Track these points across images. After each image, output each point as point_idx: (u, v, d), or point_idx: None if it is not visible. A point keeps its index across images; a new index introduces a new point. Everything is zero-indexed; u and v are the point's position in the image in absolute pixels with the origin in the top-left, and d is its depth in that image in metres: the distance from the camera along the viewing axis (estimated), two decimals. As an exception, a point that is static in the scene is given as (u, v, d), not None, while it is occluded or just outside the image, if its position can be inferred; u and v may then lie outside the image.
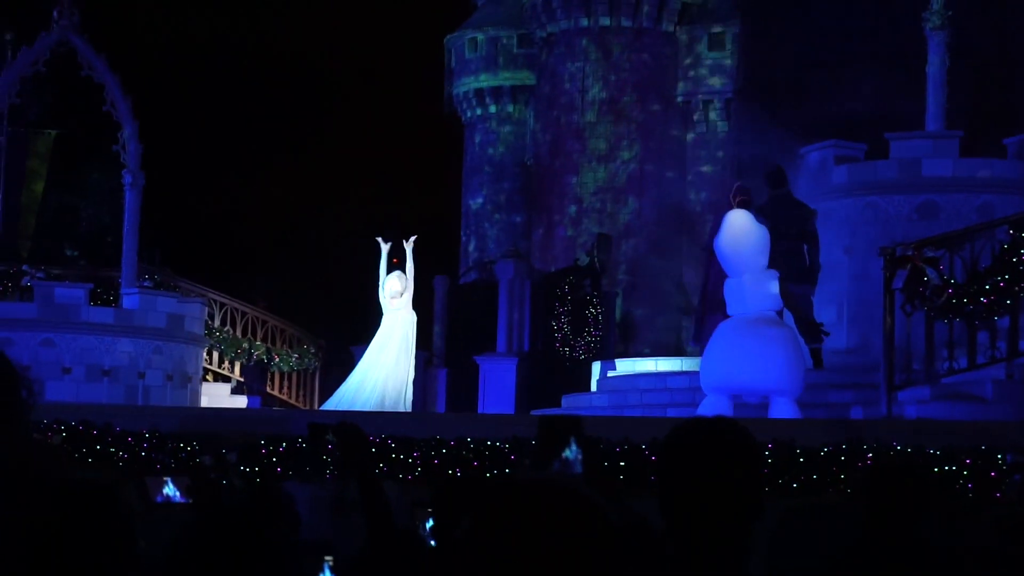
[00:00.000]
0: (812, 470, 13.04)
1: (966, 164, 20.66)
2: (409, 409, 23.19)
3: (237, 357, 29.49)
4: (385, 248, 23.99)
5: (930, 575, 5.67)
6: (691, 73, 35.54)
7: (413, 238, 24.23)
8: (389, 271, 23.85)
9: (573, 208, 35.24)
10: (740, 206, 20.17)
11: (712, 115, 35.46)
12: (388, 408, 22.37)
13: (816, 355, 18.03)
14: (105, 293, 23.56)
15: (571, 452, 7.45)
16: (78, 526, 3.46)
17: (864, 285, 18.92)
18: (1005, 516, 8.50)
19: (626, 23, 35.08)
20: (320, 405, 29.13)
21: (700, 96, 35.45)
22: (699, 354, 19.63)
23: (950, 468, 12.29)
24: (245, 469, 14.64)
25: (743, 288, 16.42)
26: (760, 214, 17.36)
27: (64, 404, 16.93)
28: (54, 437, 14.84)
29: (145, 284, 23.87)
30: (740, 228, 16.57)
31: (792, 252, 18.27)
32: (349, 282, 35.63)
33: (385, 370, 23.04)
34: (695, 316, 21.84)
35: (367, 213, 41.96)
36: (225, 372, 29.15)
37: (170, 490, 9.04)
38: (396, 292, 23.46)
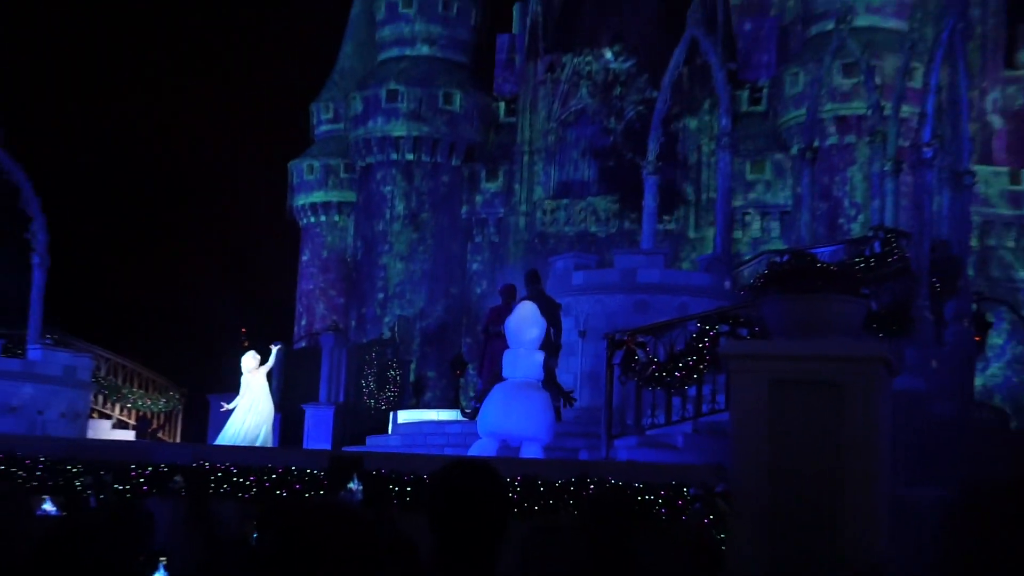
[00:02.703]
0: (550, 497, 13.07)
1: (669, 274, 21.18)
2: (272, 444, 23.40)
3: (117, 400, 28.99)
4: (248, 354, 24.32)
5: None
6: (474, 197, 35.79)
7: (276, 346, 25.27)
8: (244, 354, 24.26)
9: (381, 295, 35.24)
10: (508, 299, 20.56)
11: (488, 229, 35.71)
12: (260, 444, 22.77)
13: (557, 411, 18.13)
14: (14, 348, 22.90)
15: (354, 484, 7.46)
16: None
17: (593, 361, 19.11)
18: (687, 533, 8.60)
19: (425, 159, 35.27)
20: (181, 439, 28.97)
21: (477, 215, 35.72)
22: (471, 410, 19.90)
23: (651, 497, 12.40)
24: (119, 488, 14.26)
25: (518, 358, 16.59)
26: (534, 303, 17.67)
27: (-25, 434, 16.31)
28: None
29: (47, 342, 23.38)
30: (528, 314, 16.82)
31: (546, 335, 18.49)
32: (207, 345, 35.23)
33: (258, 418, 23.43)
34: (481, 384, 21.84)
35: (225, 292, 41.55)
36: (107, 411, 28.48)
37: (48, 506, 8.69)
38: (251, 367, 23.78)
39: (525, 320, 16.86)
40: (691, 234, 32.52)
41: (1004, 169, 35.03)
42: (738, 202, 31.26)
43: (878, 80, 28.41)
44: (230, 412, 23.88)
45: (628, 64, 33.82)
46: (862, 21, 31.48)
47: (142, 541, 5.03)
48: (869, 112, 28.52)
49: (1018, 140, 38.09)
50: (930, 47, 23.06)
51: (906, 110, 26.90)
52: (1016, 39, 39.66)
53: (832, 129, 31.75)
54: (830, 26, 30.46)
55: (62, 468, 14.61)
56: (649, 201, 24.51)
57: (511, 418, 16.51)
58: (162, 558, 5.54)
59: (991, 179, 34.13)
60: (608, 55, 33.95)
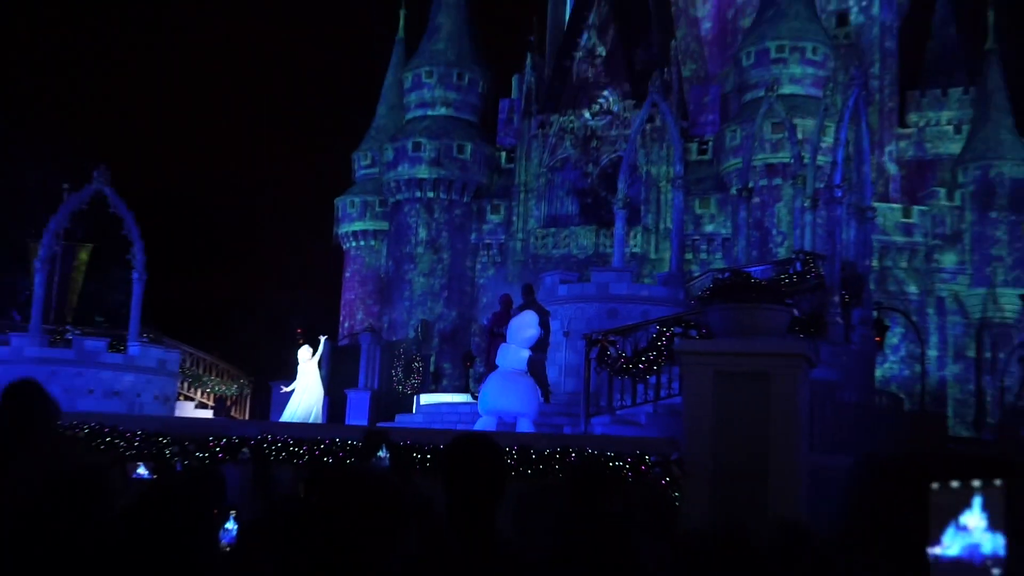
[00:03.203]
0: (540, 463, 13.02)
1: (635, 287, 21.08)
2: (321, 421, 23.39)
3: (199, 386, 28.99)
4: (303, 348, 24.41)
5: (607, 528, 5.68)
6: (481, 226, 35.82)
7: (323, 337, 25.54)
8: (300, 347, 24.36)
9: (407, 303, 35.26)
10: (506, 307, 20.60)
11: (492, 252, 35.73)
12: (312, 421, 22.81)
13: (546, 395, 18.11)
14: (119, 345, 22.91)
15: (382, 452, 7.44)
16: (82, 491, 3.33)
17: (574, 356, 19.04)
18: (649, 491, 8.59)
19: (443, 196, 35.31)
20: (249, 417, 28.97)
21: (483, 240, 35.74)
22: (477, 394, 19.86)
23: (620, 464, 12.34)
24: (200, 455, 14.25)
25: (508, 351, 16.63)
26: (528, 310, 17.75)
27: (87, 413, 16.30)
28: (79, 433, 14.34)
29: (144, 340, 23.37)
30: (529, 320, 16.91)
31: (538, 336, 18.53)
32: (270, 342, 35.36)
33: (310, 399, 23.56)
34: (482, 373, 21.86)
35: (284, 300, 41.68)
36: (191, 395, 28.46)
37: (142, 470, 8.65)
38: (305, 358, 23.88)
39: (526, 324, 16.92)
40: (652, 256, 32.53)
41: (898, 206, 35.16)
42: (688, 231, 31.28)
43: (799, 135, 28.43)
44: (288, 394, 23.93)
45: (603, 122, 33.89)
46: (786, 90, 31.56)
47: (217, 498, 4.99)
48: (792, 161, 28.52)
49: (909, 183, 38.20)
50: (839, 110, 23.07)
51: (821, 159, 26.91)
52: (906, 104, 39.85)
53: (763, 174, 31.82)
54: (761, 93, 30.49)
55: (155, 440, 14.60)
56: (619, 230, 24.50)
57: (505, 399, 16.51)
58: (232, 511, 5.52)
59: (888, 213, 34.17)
60: (587, 115, 34.03)
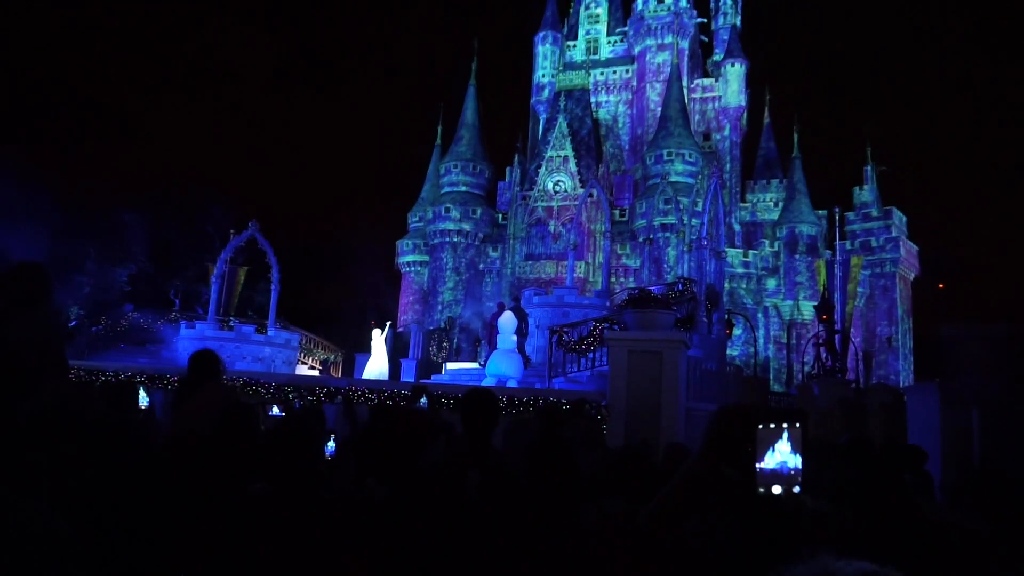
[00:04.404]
0: (521, 406, 13.02)
1: (580, 299, 20.96)
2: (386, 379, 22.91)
3: (310, 355, 28.76)
4: (376, 330, 23.61)
5: (560, 444, 5.68)
6: (486, 260, 35.71)
7: (387, 323, 25.02)
8: (373, 329, 23.73)
9: (440, 307, 34.97)
10: (500, 310, 20.56)
11: (492, 276, 35.63)
12: (379, 378, 22.02)
13: (527, 363, 18.10)
14: (262, 329, 22.72)
15: (423, 400, 7.40)
16: (242, 419, 3.32)
17: (543, 340, 19.02)
18: (587, 424, 8.56)
19: (462, 241, 35.21)
20: (341, 375, 28.71)
21: (488, 269, 35.61)
22: (483, 363, 19.79)
23: (570, 407, 12.36)
24: (311, 399, 14.16)
25: (506, 337, 16.62)
26: (513, 312, 17.63)
27: (242, 371, 16.18)
28: (236, 383, 14.20)
29: (278, 326, 23.17)
30: (509, 317, 16.90)
31: (520, 329, 18.46)
32: (357, 328, 35.17)
33: (380, 365, 22.75)
34: (486, 351, 21.68)
35: (365, 304, 41.43)
36: (305, 361, 28.24)
37: (275, 410, 8.57)
38: (376, 338, 23.21)
39: (508, 320, 16.90)
40: (590, 279, 32.45)
41: (740, 250, 35.21)
42: (613, 264, 31.30)
43: (680, 206, 28.55)
44: (366, 360, 23.65)
45: (561, 199, 33.91)
46: (673, 178, 31.65)
47: (323, 425, 4.97)
48: (676, 222, 28.66)
49: (747, 236, 38.30)
50: (705, 191, 23.17)
51: (694, 221, 27.03)
52: (745, 188, 40.01)
53: (658, 229, 31.86)
54: (658, 180, 30.65)
55: (282, 389, 14.53)
56: (570, 263, 24.50)
57: (501, 367, 16.49)
58: (332, 434, 5.50)
59: (734, 255, 34.28)
60: (551, 193, 34.04)
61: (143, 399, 5.03)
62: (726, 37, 41.34)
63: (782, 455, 1.66)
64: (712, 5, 43.39)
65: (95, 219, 40.36)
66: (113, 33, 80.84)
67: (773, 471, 1.69)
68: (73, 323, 28.88)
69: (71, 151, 45.10)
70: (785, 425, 1.67)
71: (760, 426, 1.65)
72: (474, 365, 24.11)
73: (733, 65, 38.77)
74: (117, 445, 3.40)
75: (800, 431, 1.69)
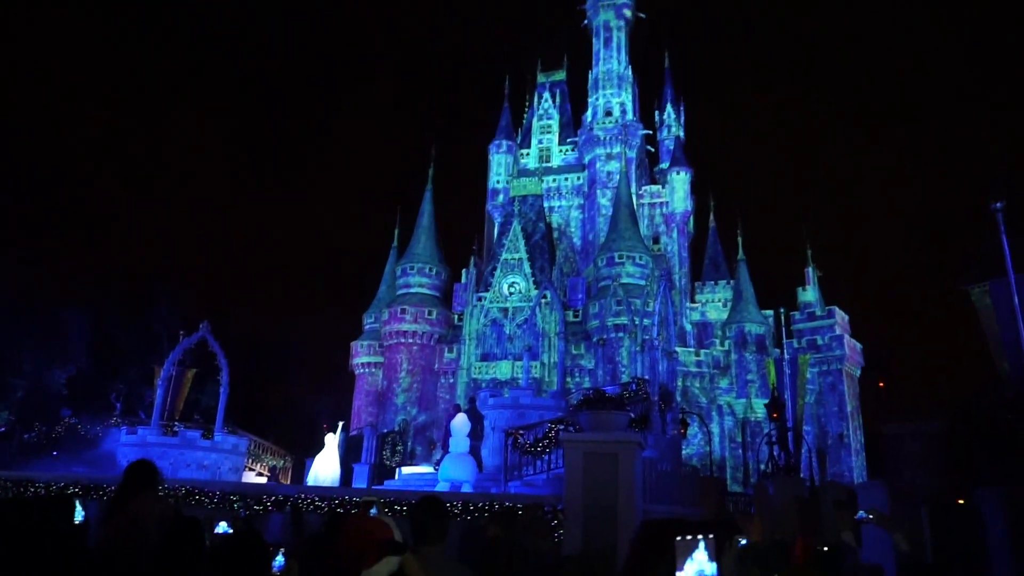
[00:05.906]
0: (475, 511, 12.75)
1: (535, 400, 20.77)
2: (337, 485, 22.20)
3: (258, 461, 27.72)
4: (329, 434, 23.26)
5: (513, 549, 5.59)
6: (442, 360, 35.50)
7: (340, 425, 24.16)
8: (327, 434, 23.31)
9: (393, 408, 34.30)
10: (455, 411, 20.36)
11: (448, 377, 35.36)
12: (330, 484, 21.59)
13: (480, 467, 17.77)
14: (208, 434, 21.95)
15: (375, 510, 7.28)
16: (181, 536, 3.28)
17: (498, 442, 18.79)
18: (542, 528, 8.44)
19: (418, 341, 35.03)
20: (291, 482, 27.70)
21: (443, 369, 35.36)
22: (437, 468, 19.40)
23: (523, 511, 12.16)
24: (257, 508, 13.62)
25: (458, 442, 16.46)
26: (468, 413, 17.53)
27: (184, 480, 15.51)
28: (178, 492, 13.60)
29: (225, 431, 22.44)
30: (462, 420, 16.93)
31: (475, 430, 18.25)
32: (306, 433, 34.13)
33: (330, 470, 22.31)
34: (440, 454, 21.28)
35: (317, 406, 40.34)
36: (253, 467, 27.15)
37: (222, 527, 8.18)
38: (331, 439, 22.86)
39: (461, 423, 16.80)
40: (545, 379, 32.44)
41: (692, 349, 35.83)
42: (568, 364, 31.51)
43: (632, 308, 29.20)
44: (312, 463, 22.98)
45: (515, 299, 34.39)
46: (624, 280, 32.53)
47: (263, 548, 4.88)
48: (628, 322, 29.22)
49: (698, 336, 39.08)
50: (655, 293, 23.83)
51: (646, 322, 27.61)
52: (694, 290, 41.19)
53: (611, 330, 32.36)
54: (610, 283, 31.43)
55: (228, 497, 13.96)
56: (525, 363, 24.54)
57: (455, 471, 16.22)
58: (281, 548, 5.33)
59: (686, 354, 34.86)
60: (506, 294, 34.53)
61: (79, 513, 4.87)
62: (671, 147, 43.76)
63: (699, 564, 1.78)
64: (657, 118, 46.12)
65: (32, 315, 38.87)
66: (57, 119, 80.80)
67: (690, 580, 1.79)
68: (1, 429, 27.45)
69: (5, 242, 43.71)
70: (700, 536, 1.81)
71: (678, 540, 1.78)
72: (429, 469, 23.53)
73: (678, 173, 40.83)
74: (49, 566, 3.32)
75: (715, 542, 1.83)
